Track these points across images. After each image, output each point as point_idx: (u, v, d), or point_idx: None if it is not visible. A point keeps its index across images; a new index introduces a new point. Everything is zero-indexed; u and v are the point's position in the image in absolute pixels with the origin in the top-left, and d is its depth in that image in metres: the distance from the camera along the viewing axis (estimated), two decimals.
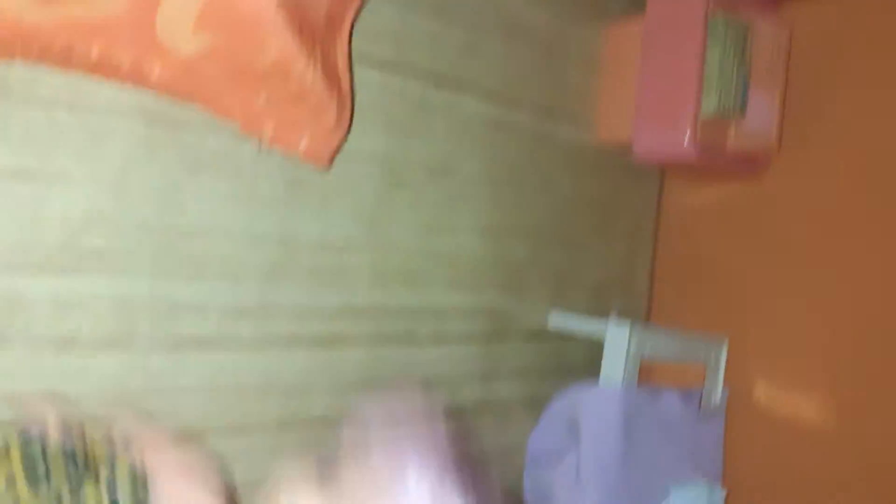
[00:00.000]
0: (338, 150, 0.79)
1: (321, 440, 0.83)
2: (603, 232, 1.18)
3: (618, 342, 1.02)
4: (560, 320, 1.11)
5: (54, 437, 0.55)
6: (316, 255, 0.83)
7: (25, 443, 0.53)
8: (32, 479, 0.52)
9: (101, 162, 0.67)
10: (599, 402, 1.01)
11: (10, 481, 0.52)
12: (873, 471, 1.04)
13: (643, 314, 1.26)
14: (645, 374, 1.16)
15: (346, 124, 0.77)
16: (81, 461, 0.55)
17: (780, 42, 1.12)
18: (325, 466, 0.65)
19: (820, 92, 1.13)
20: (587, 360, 1.11)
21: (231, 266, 0.76)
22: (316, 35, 0.71)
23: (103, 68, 0.63)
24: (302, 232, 0.81)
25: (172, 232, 0.72)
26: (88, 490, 0.54)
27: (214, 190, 0.74)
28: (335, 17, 0.73)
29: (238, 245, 0.77)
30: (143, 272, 0.70)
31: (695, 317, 1.21)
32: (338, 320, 0.85)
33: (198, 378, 0.74)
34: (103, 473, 0.55)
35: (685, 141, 1.03)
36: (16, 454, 0.53)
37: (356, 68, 0.83)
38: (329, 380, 0.84)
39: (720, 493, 1.10)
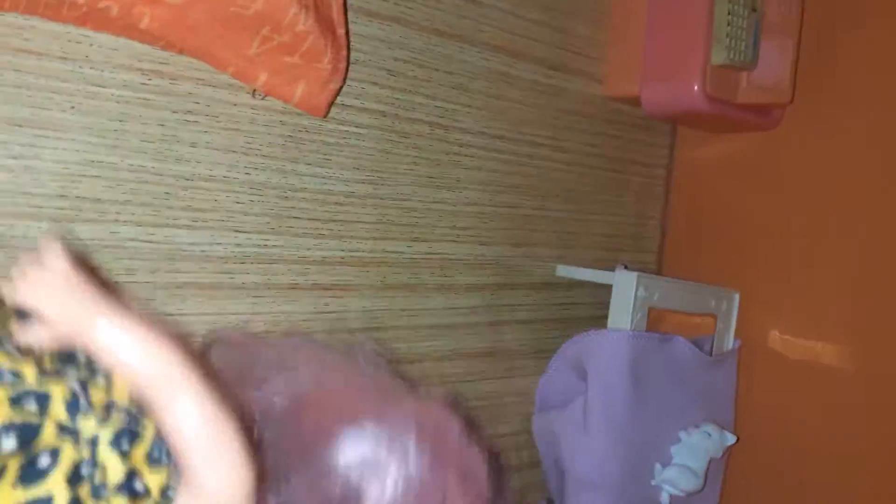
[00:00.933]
0: (334, 99, 0.74)
1: None
2: (613, 186, 1.10)
3: (625, 288, 0.95)
4: (568, 271, 1.04)
5: None
6: (317, 207, 0.78)
7: None
8: None
9: (97, 113, 0.63)
10: (606, 346, 0.95)
11: None
12: (888, 409, 0.96)
13: (655, 269, 1.18)
14: (654, 326, 1.10)
15: (341, 74, 0.72)
16: None
17: None
18: None
19: (835, 41, 1.03)
20: (595, 311, 1.05)
21: (230, 215, 0.72)
22: None
23: (92, 17, 0.59)
24: (302, 183, 0.77)
25: (170, 182, 0.68)
26: None
27: (212, 140, 0.70)
28: None
29: (237, 195, 0.72)
30: (141, 221, 0.66)
31: (708, 272, 1.13)
32: (341, 270, 0.80)
33: (197, 324, 0.70)
34: None
35: (694, 92, 0.95)
36: None
37: (354, 22, 0.78)
38: (332, 327, 0.80)
39: (731, 439, 1.03)
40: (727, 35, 0.94)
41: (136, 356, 0.40)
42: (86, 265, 0.43)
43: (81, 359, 0.43)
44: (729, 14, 0.94)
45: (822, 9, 1.02)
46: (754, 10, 0.97)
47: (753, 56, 0.98)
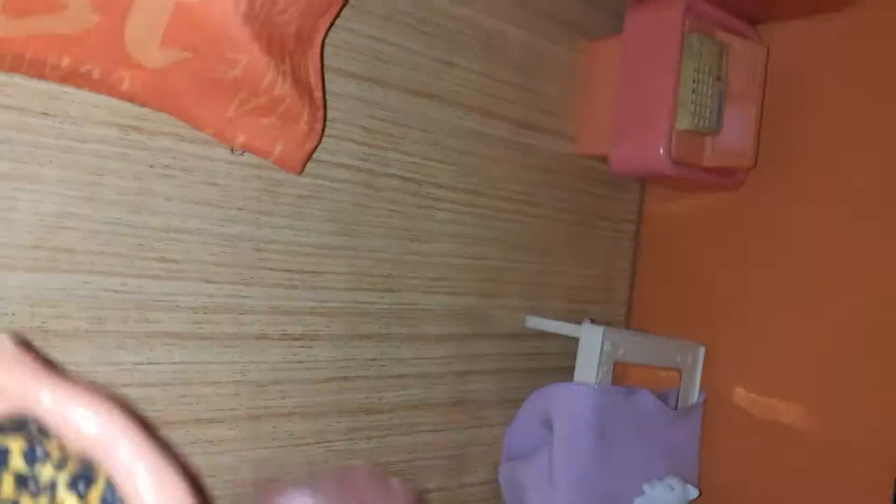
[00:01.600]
0: (310, 157, 0.76)
1: (291, 433, 0.81)
2: (583, 240, 1.12)
3: (592, 342, 0.96)
4: (536, 322, 1.05)
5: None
6: (290, 259, 0.79)
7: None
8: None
9: (74, 167, 0.64)
10: (572, 399, 0.96)
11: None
12: (849, 473, 0.97)
13: (623, 320, 1.20)
14: (620, 378, 1.11)
15: (318, 133, 0.73)
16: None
17: (757, 60, 1.05)
18: None
19: (797, 108, 1.07)
20: (564, 362, 1.06)
21: (203, 267, 0.73)
22: (285, 49, 0.68)
23: (74, 78, 0.60)
24: (276, 236, 0.78)
25: (144, 234, 0.68)
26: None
27: (188, 194, 0.71)
28: (305, 33, 0.69)
29: (210, 247, 0.73)
30: (115, 272, 0.67)
31: (675, 325, 1.15)
32: (311, 319, 0.81)
33: (168, 372, 0.71)
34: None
35: (659, 155, 0.98)
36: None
37: (333, 82, 0.80)
38: (301, 375, 0.81)
39: (694, 493, 1.03)
40: (692, 102, 0.97)
41: (76, 420, 0.44)
42: (29, 348, 0.47)
43: (32, 424, 0.45)
44: (694, 82, 0.97)
45: (784, 78, 1.07)
46: (718, 78, 1.00)
47: (718, 122, 1.01)
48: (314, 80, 0.71)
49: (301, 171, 0.76)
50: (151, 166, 0.69)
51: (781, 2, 1.03)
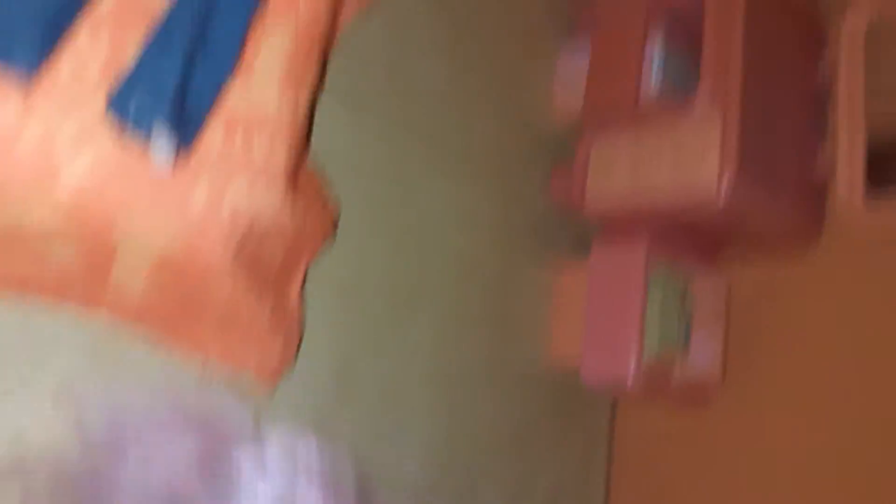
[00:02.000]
0: (282, 377, 0.74)
1: None
2: (557, 449, 1.08)
3: None
4: None
5: None
6: None
7: None
8: None
9: (44, 377, 0.63)
10: None
11: None
12: None
13: None
14: None
15: (291, 355, 0.73)
16: None
17: (719, 291, 1.08)
18: None
19: (760, 332, 1.09)
20: None
21: None
22: (269, 278, 0.69)
23: (55, 303, 0.61)
24: None
25: None
26: None
27: (158, 407, 0.68)
28: (289, 266, 0.71)
29: None
30: None
31: None
32: None
33: None
34: None
35: (629, 377, 0.97)
36: None
37: (314, 298, 0.80)
38: None
39: None
40: (659, 324, 0.98)
41: None
42: None
43: None
44: (661, 308, 0.99)
45: (745, 307, 1.09)
46: (684, 301, 1.02)
47: (685, 344, 1.02)
48: (294, 303, 0.72)
49: (273, 389, 0.75)
50: (124, 378, 0.67)
51: (737, 249, 1.08)
